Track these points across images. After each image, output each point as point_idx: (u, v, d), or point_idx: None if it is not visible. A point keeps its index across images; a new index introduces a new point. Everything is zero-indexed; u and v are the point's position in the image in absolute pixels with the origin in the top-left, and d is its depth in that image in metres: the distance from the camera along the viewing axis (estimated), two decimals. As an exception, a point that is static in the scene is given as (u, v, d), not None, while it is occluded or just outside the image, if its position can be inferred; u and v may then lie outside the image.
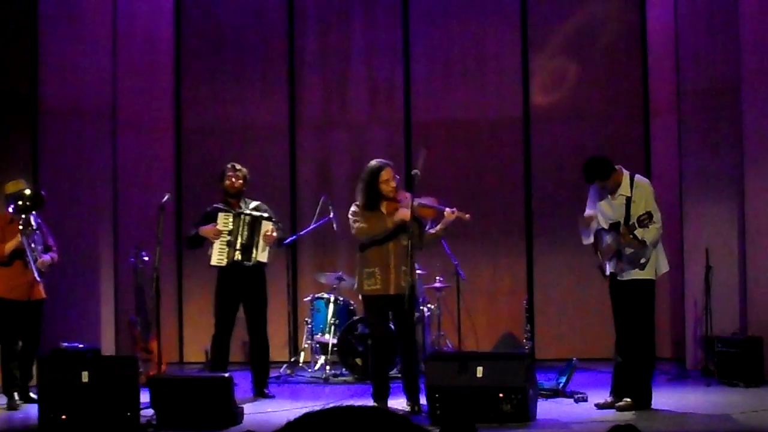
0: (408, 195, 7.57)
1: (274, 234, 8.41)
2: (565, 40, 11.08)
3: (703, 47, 9.69)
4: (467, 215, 7.55)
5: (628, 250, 7.29)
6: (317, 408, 2.81)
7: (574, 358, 8.51)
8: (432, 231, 7.62)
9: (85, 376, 6.96)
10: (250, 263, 8.37)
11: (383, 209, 7.54)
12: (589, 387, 8.20)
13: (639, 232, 7.14)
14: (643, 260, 7.30)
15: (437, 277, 9.73)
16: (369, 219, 7.52)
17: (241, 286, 8.41)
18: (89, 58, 9.99)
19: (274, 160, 11.25)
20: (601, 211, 7.47)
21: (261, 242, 8.37)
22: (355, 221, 7.56)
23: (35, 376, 7.74)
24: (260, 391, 8.35)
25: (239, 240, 8.34)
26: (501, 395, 6.82)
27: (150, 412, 7.00)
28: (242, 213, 8.40)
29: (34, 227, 8.18)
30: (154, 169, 11.01)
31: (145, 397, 7.04)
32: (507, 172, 11.07)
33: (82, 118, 9.88)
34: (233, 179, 8.52)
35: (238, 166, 8.58)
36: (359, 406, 2.77)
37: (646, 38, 10.89)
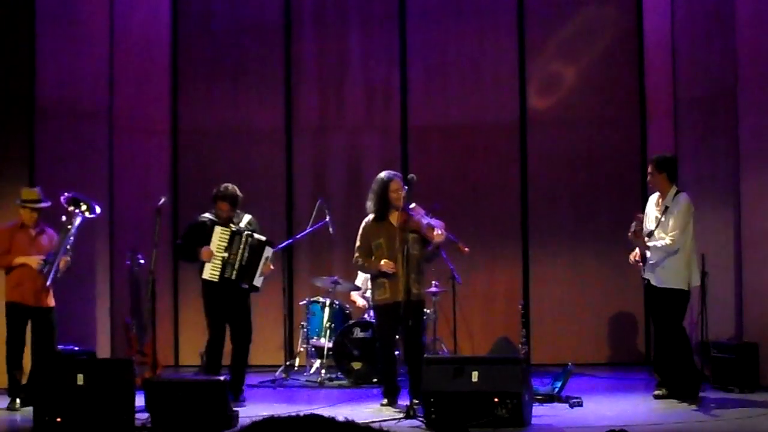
0: (421, 210, 7.86)
1: (271, 267, 8.43)
2: (562, 45, 11.10)
3: (700, 53, 9.71)
4: (466, 248, 8.11)
5: (649, 255, 7.97)
6: (309, 412, 2.83)
7: (570, 363, 8.51)
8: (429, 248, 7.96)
9: (80, 379, 6.94)
10: (247, 286, 8.34)
11: (393, 220, 7.87)
12: (584, 392, 8.22)
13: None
14: (658, 269, 7.93)
15: (433, 282, 9.72)
16: (377, 232, 7.89)
17: (228, 303, 8.35)
18: (86, 59, 9.99)
19: (271, 163, 11.25)
20: (646, 220, 8.16)
21: (260, 268, 8.33)
22: (357, 247, 8.00)
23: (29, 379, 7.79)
24: (234, 396, 8.31)
25: (238, 261, 8.25)
26: (496, 400, 6.81)
27: (145, 415, 7.00)
28: (244, 233, 8.30)
29: (72, 230, 8.22)
30: (151, 171, 11.01)
31: (140, 400, 7.03)
32: (503, 177, 11.08)
33: (78, 119, 9.88)
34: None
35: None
36: (315, 417, 2.79)
37: (643, 44, 10.92)
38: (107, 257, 10.19)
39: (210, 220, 8.39)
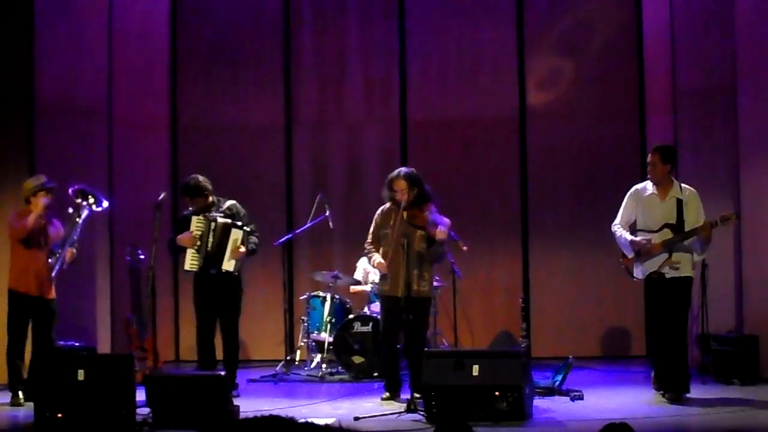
0: (433, 208, 7.91)
1: (242, 249, 8.29)
2: (561, 39, 11.09)
3: (699, 47, 9.70)
4: (465, 247, 8.13)
5: (688, 245, 7.69)
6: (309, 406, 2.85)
7: (570, 357, 8.52)
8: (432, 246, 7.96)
9: (81, 375, 6.94)
10: (215, 272, 8.32)
11: (404, 213, 7.86)
12: (584, 385, 8.22)
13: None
14: (696, 258, 7.81)
15: (434, 276, 9.73)
16: (386, 222, 7.96)
17: (215, 293, 8.35)
18: (85, 55, 9.98)
19: (270, 158, 11.25)
20: (649, 213, 7.81)
21: (228, 252, 8.30)
22: (370, 232, 8.09)
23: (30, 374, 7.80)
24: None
25: (205, 247, 8.28)
26: (497, 393, 6.82)
27: (146, 410, 7.00)
28: (212, 219, 8.32)
29: (80, 223, 8.23)
30: (150, 167, 11.00)
31: (141, 395, 7.04)
32: (503, 171, 11.08)
33: (78, 115, 9.87)
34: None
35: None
36: (273, 418, 2.79)
37: (642, 37, 10.91)
38: (107, 253, 10.19)
39: (190, 211, 8.47)
